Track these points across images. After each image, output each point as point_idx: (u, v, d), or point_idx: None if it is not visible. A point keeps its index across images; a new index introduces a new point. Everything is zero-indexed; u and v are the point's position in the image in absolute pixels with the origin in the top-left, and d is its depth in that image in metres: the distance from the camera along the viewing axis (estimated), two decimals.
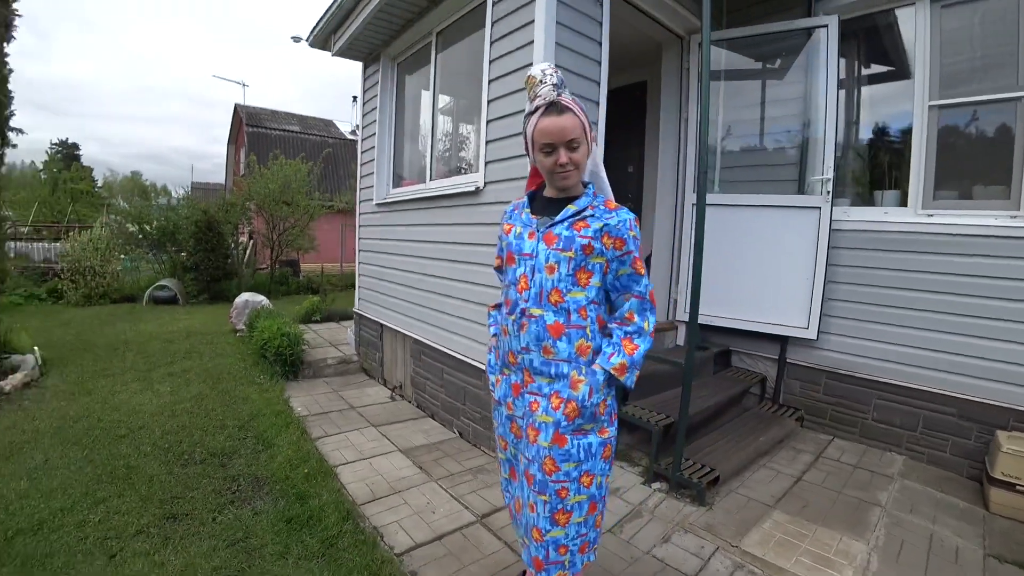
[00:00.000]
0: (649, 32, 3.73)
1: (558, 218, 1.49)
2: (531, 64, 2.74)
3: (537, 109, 1.44)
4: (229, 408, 3.86)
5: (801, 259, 3.38)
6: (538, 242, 1.50)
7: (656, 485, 2.77)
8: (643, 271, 1.49)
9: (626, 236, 1.45)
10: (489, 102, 3.10)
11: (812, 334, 3.37)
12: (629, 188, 4.92)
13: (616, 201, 1.56)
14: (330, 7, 4.32)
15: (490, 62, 3.09)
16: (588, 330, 1.49)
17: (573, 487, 1.46)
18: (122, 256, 9.98)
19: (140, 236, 10.02)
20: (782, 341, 3.61)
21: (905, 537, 2.31)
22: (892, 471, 2.95)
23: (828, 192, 3.25)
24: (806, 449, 3.23)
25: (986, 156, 3.05)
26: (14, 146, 4.32)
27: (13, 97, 4.19)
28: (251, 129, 18.45)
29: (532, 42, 2.74)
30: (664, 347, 3.95)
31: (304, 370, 4.76)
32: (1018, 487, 2.48)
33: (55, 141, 35.23)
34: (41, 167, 31.88)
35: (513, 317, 1.52)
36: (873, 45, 3.49)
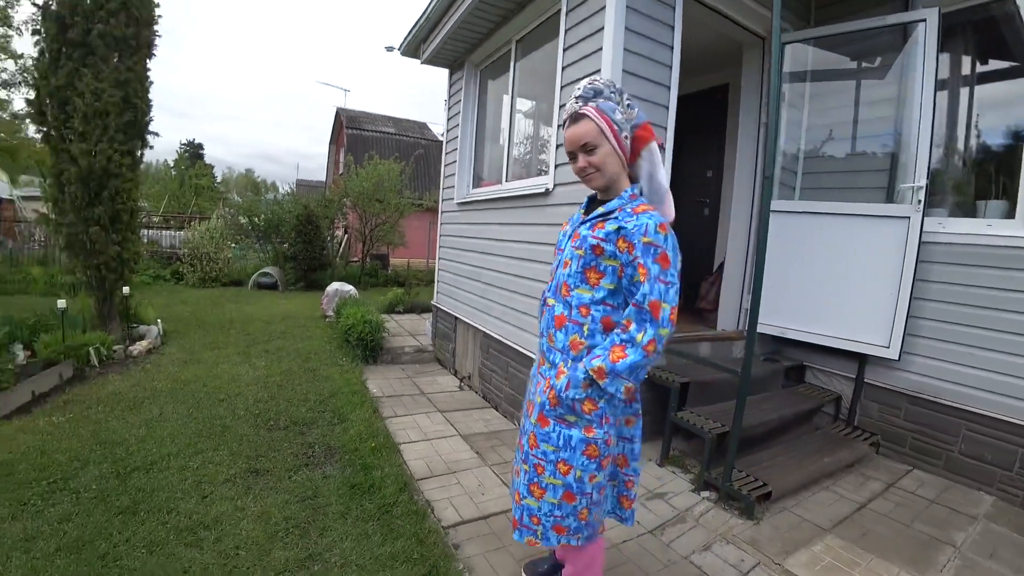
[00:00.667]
0: (730, 33, 3.63)
1: (587, 217, 1.58)
2: (599, 70, 2.80)
3: (564, 123, 1.57)
4: (313, 384, 4.27)
5: (885, 272, 3.14)
6: (568, 238, 1.61)
7: (705, 494, 2.73)
8: (645, 279, 1.41)
9: (636, 240, 1.42)
10: (561, 107, 3.19)
11: (894, 354, 3.13)
12: (708, 194, 4.79)
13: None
14: (419, 19, 4.64)
15: (562, 68, 3.19)
16: (585, 328, 1.52)
17: (549, 468, 1.55)
18: (232, 245, 11.20)
19: (249, 227, 11.17)
20: (860, 359, 3.37)
21: None
22: (977, 511, 2.67)
23: (920, 201, 2.99)
24: (877, 477, 3.01)
25: None
26: (151, 147, 5.05)
27: (152, 105, 4.90)
28: (350, 131, 19.81)
29: (600, 49, 2.80)
30: (731, 356, 3.83)
31: (383, 356, 5.12)
32: None
33: (183, 141, 39.99)
34: (171, 164, 36.23)
35: (539, 304, 1.69)
36: (981, 40, 3.16)
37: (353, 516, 2.41)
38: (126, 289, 4.91)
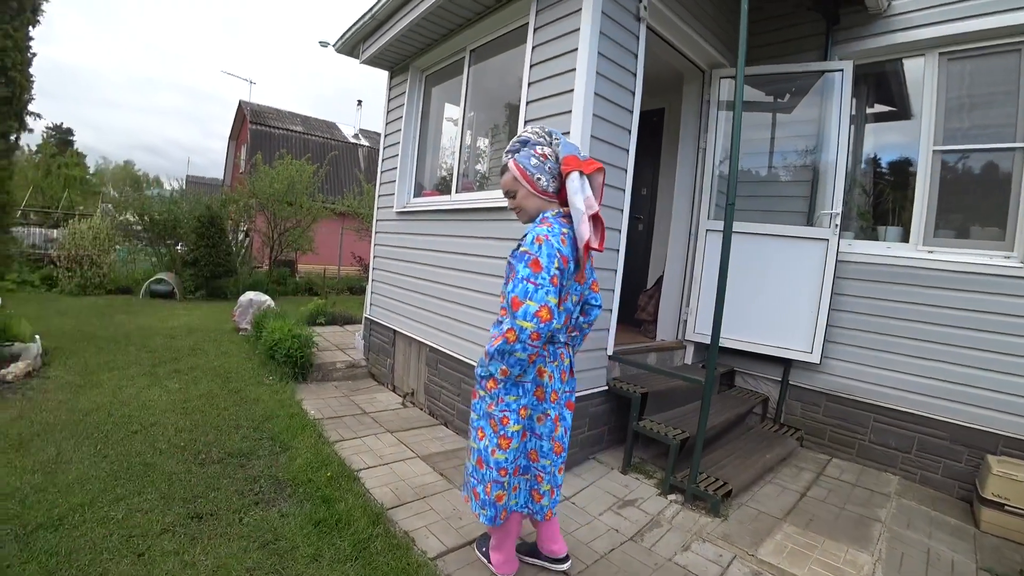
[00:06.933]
0: (673, 63, 3.90)
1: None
2: (572, 90, 2.87)
3: None
4: (241, 408, 3.85)
5: (807, 287, 3.56)
6: None
7: (672, 497, 2.89)
8: (512, 280, 1.73)
9: (515, 250, 1.79)
10: (526, 122, 3.21)
11: (815, 358, 3.55)
12: (641, 210, 5.07)
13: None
14: (362, 17, 4.38)
15: (528, 84, 3.20)
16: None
17: (473, 433, 1.97)
18: (117, 247, 9.78)
19: (140, 228, 9.84)
20: (785, 364, 3.78)
21: (905, 551, 2.48)
22: (888, 490, 3.13)
23: (836, 225, 3.44)
24: (807, 467, 3.40)
25: (984, 199, 3.28)
26: (30, 130, 4.26)
27: (33, 81, 4.13)
28: (255, 127, 18.34)
29: (573, 70, 2.86)
30: (674, 364, 4.09)
31: (313, 373, 4.76)
32: (1007, 507, 2.67)
33: (49, 125, 34.24)
34: (35, 150, 30.78)
35: None
36: (882, 89, 3.72)
37: (327, 558, 2.19)
38: None
